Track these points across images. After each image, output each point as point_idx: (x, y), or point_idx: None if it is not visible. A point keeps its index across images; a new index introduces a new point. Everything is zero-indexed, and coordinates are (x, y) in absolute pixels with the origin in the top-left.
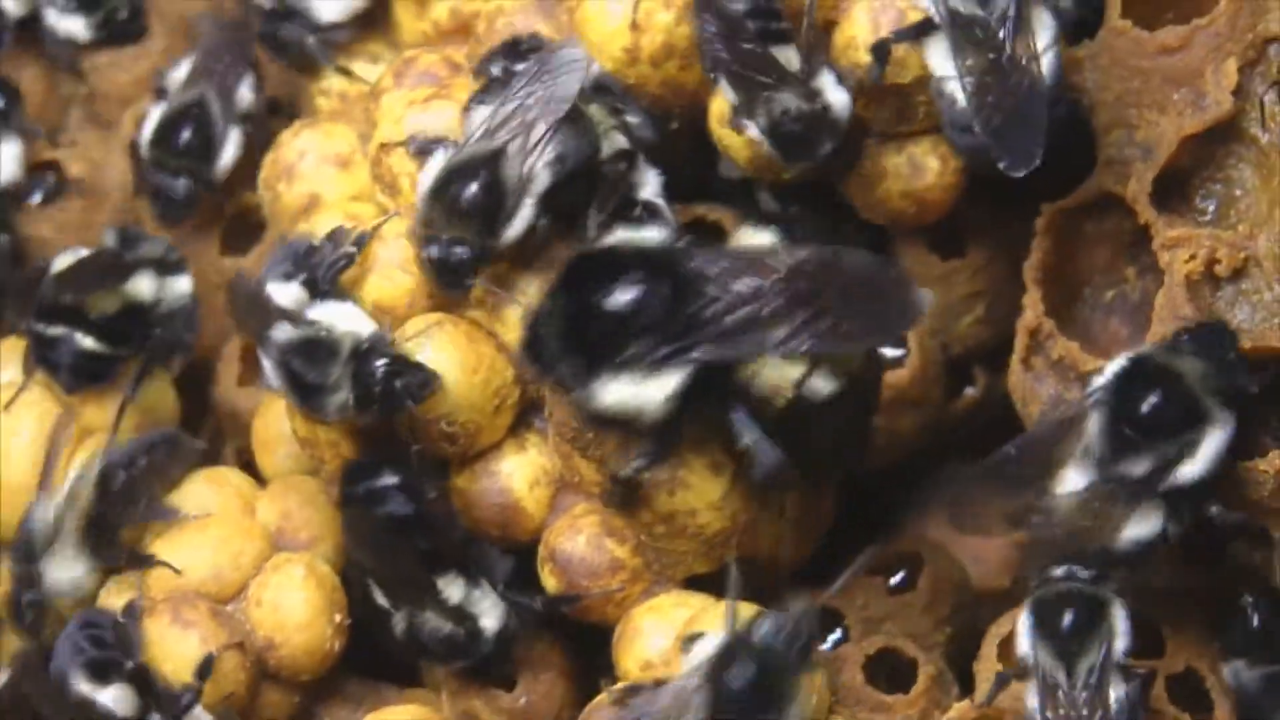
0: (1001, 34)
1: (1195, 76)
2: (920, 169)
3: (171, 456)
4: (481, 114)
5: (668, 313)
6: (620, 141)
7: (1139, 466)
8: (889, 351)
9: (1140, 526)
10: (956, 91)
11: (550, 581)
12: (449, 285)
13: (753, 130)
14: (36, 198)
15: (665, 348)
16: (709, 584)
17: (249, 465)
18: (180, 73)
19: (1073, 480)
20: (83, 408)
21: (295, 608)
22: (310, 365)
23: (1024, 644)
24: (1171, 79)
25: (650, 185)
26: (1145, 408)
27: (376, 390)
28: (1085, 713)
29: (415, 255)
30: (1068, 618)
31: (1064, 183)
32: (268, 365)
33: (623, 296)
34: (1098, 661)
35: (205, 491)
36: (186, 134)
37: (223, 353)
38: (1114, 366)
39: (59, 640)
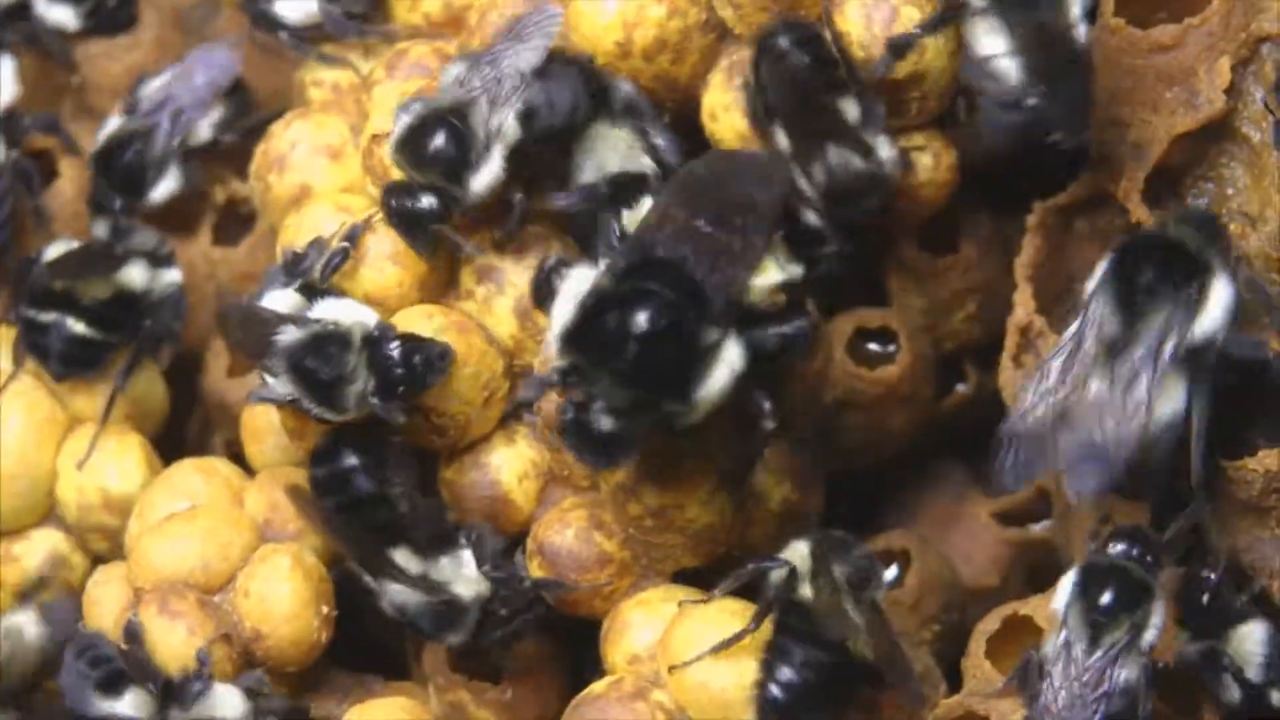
0: (1044, 5)
1: (1188, 75)
2: (913, 165)
3: None
4: (455, 70)
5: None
6: (642, 164)
7: (1153, 326)
8: (880, 347)
9: (1167, 403)
10: (1009, 68)
11: (539, 574)
12: (412, 235)
13: (802, 181)
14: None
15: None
16: (697, 578)
17: (238, 456)
18: (154, 86)
19: (1095, 386)
20: (72, 397)
21: (282, 599)
22: (324, 360)
23: (1061, 600)
24: (1164, 77)
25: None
26: (1149, 268)
27: (398, 372)
28: (1091, 683)
29: (380, 205)
30: (1111, 592)
31: (1056, 180)
32: (275, 377)
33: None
34: (1122, 642)
35: (194, 481)
36: (125, 160)
37: (211, 344)
38: (1108, 257)
39: (63, 678)
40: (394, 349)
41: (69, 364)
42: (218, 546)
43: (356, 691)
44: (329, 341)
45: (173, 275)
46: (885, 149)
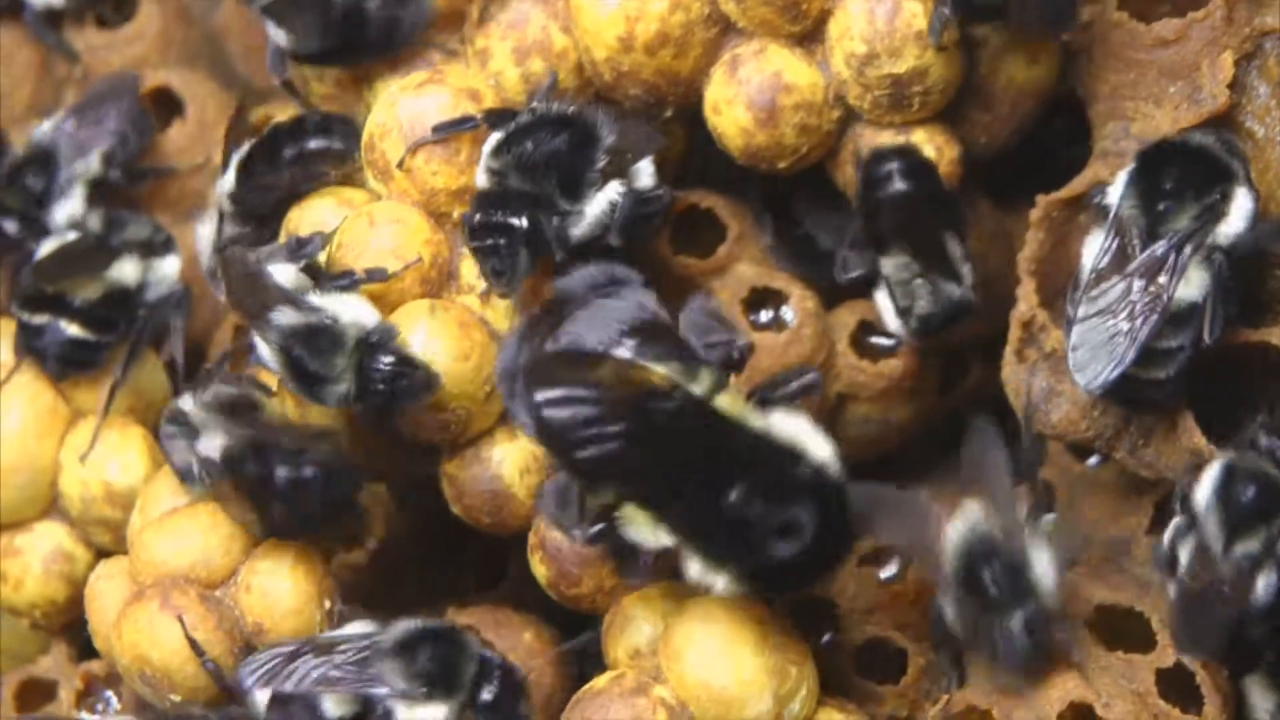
0: None
1: (1191, 69)
2: None
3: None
4: None
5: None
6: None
7: (1176, 228)
8: (882, 340)
9: (1186, 294)
10: None
11: (540, 570)
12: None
13: (885, 302)
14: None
15: None
16: None
17: None
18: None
19: (1116, 283)
20: (74, 390)
21: (284, 594)
22: (314, 355)
23: (1202, 496)
24: (1167, 72)
25: (645, 174)
26: (1173, 172)
27: (378, 388)
28: (1229, 579)
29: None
30: (1251, 492)
31: (1059, 174)
32: (265, 347)
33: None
34: (1259, 547)
35: None
36: (28, 179)
37: (214, 336)
38: (1131, 163)
39: None
40: (383, 365)
41: (66, 365)
42: (219, 541)
43: None
44: (322, 336)
45: (170, 265)
46: (970, 277)
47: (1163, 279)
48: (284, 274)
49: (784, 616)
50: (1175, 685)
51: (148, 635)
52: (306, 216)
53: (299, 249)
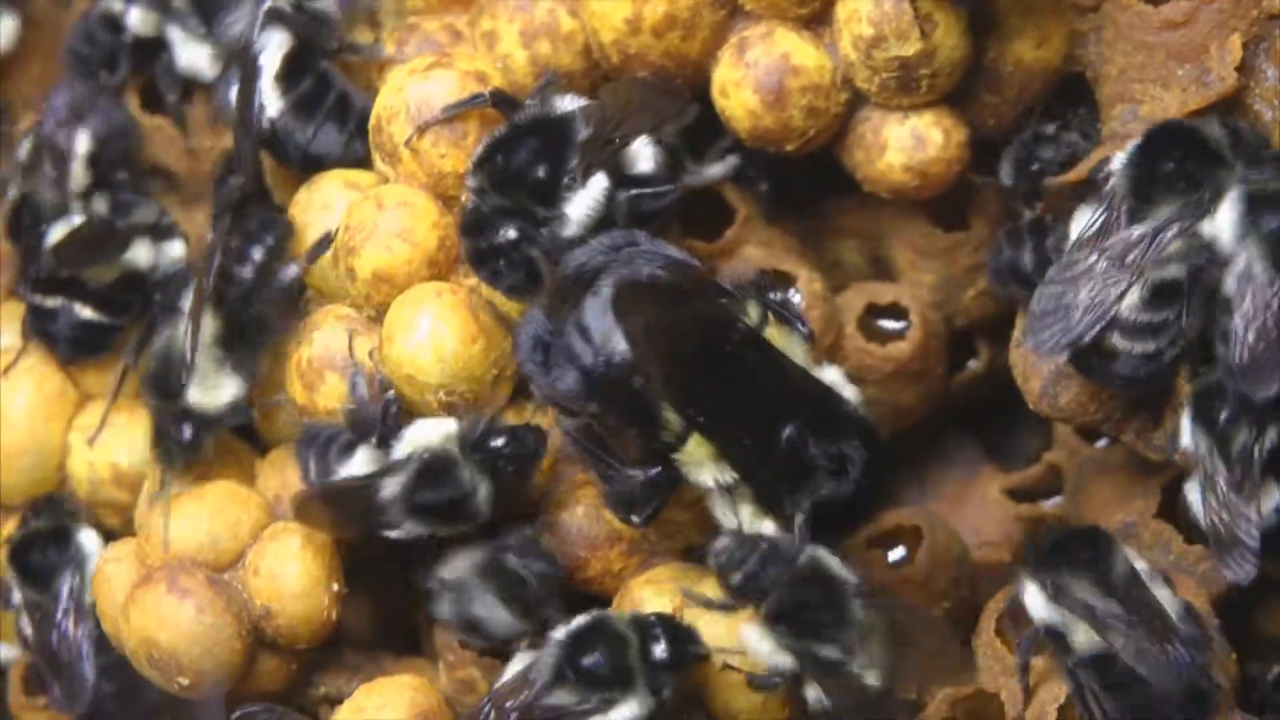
0: None
1: (1200, 52)
2: (923, 142)
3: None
4: None
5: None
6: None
7: (1159, 216)
8: (889, 324)
9: (1172, 266)
10: None
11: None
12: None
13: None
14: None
15: None
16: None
17: (249, 433)
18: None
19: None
20: (82, 375)
21: (293, 577)
22: (438, 486)
23: (1187, 436)
24: (1176, 54)
25: (643, 159)
26: (1170, 161)
27: (510, 468)
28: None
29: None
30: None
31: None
32: (398, 528)
33: None
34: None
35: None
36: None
37: None
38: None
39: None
40: (496, 445)
41: (77, 349)
42: (227, 524)
43: (367, 668)
44: (433, 468)
45: (175, 248)
46: None
47: (1130, 259)
48: (361, 462)
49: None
50: None
51: (156, 618)
52: (314, 198)
53: (356, 420)
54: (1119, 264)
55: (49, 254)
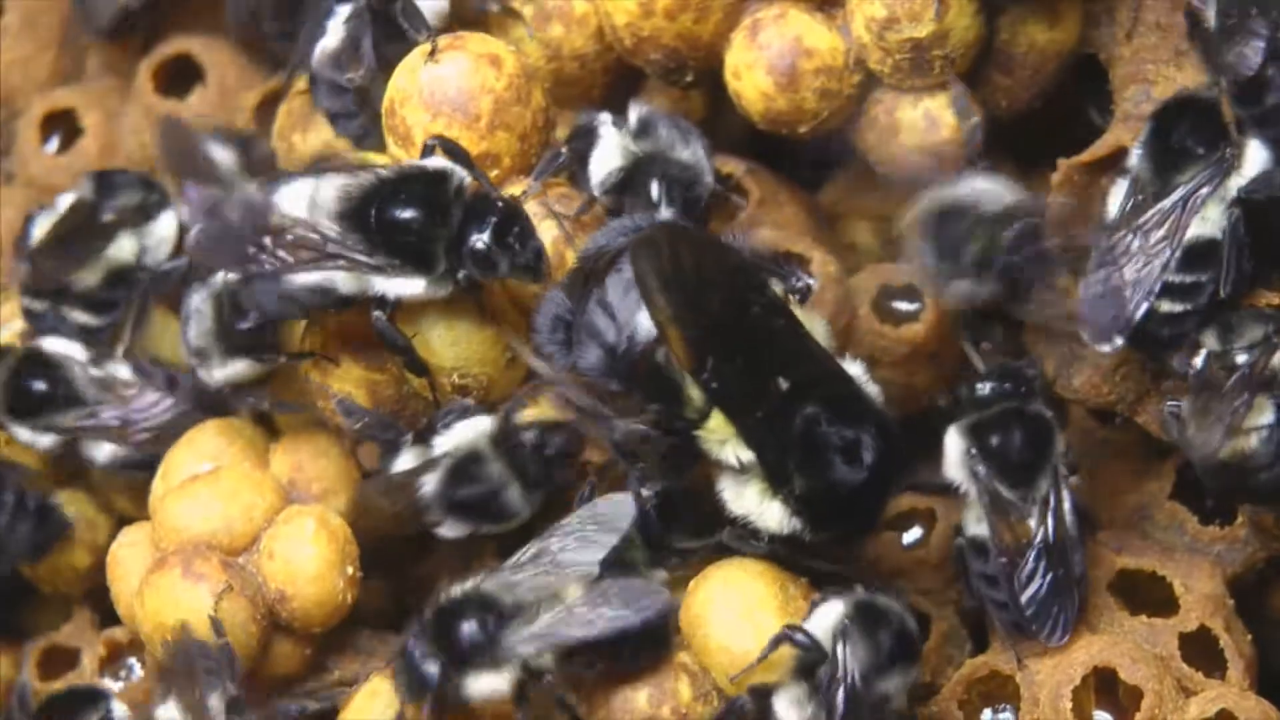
0: None
1: None
2: (936, 124)
3: None
4: None
5: None
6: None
7: (1184, 182)
8: (905, 305)
9: (1205, 225)
10: None
11: None
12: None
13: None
14: (52, 146)
15: None
16: None
17: (263, 416)
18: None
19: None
20: None
21: (307, 560)
22: (474, 483)
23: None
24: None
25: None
26: (1184, 128)
27: (553, 468)
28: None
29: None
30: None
31: (1080, 137)
32: (441, 526)
33: None
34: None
35: (218, 443)
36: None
37: None
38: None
39: None
40: (529, 440)
41: None
42: (241, 508)
43: (381, 652)
44: (467, 467)
45: (165, 224)
46: None
47: (1166, 227)
48: (406, 460)
49: (803, 581)
50: (1198, 649)
51: (170, 602)
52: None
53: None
54: (1157, 235)
55: (29, 257)
